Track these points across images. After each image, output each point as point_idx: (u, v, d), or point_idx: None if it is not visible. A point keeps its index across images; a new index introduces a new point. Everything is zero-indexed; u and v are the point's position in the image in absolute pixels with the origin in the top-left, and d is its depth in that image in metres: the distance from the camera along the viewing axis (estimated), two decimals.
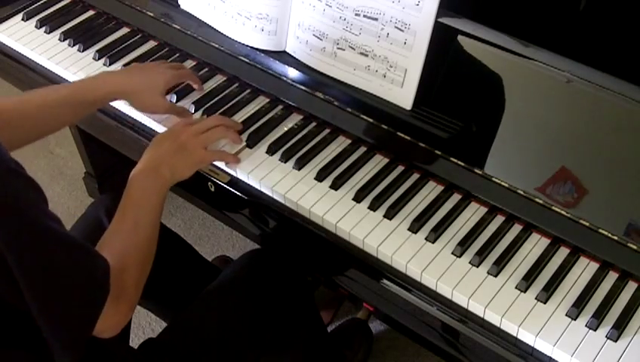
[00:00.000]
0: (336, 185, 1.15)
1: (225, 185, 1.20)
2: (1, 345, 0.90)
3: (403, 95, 1.19)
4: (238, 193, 1.19)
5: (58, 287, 0.85)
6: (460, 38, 1.14)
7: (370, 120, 1.21)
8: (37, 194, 0.85)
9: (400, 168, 1.18)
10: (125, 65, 1.39)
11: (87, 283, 0.88)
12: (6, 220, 0.79)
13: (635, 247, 1.00)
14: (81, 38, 1.46)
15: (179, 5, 1.43)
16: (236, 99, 1.32)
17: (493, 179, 1.11)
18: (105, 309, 0.90)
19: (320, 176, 1.17)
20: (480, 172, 1.12)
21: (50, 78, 1.41)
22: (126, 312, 0.98)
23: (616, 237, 1.02)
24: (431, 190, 1.15)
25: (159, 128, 1.28)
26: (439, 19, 1.13)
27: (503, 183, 1.10)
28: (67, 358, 0.89)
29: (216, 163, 1.21)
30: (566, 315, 0.98)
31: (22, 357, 0.93)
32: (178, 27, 1.42)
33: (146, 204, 1.05)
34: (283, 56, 1.31)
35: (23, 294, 0.82)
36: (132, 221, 1.02)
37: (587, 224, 1.04)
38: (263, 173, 1.18)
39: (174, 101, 1.32)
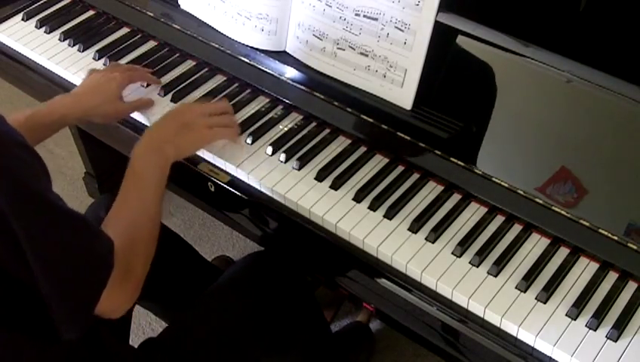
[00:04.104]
0: (336, 185, 1.15)
1: (225, 185, 1.20)
2: (3, 327, 0.90)
3: (403, 95, 1.19)
4: (238, 193, 1.19)
5: (62, 261, 0.85)
6: (459, 38, 1.14)
7: (370, 120, 1.21)
8: (42, 169, 0.86)
9: (400, 168, 1.18)
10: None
11: (91, 259, 0.88)
12: (15, 191, 0.79)
13: (635, 247, 1.00)
14: (81, 38, 1.46)
15: (179, 5, 1.43)
16: (236, 99, 1.32)
17: (493, 179, 1.10)
18: (111, 288, 0.89)
19: (320, 176, 1.17)
20: (480, 172, 1.12)
21: (50, 78, 1.41)
22: (132, 292, 0.98)
23: (616, 237, 1.02)
24: (431, 190, 1.15)
25: None
26: (439, 20, 1.13)
27: (503, 183, 1.10)
28: (71, 334, 0.89)
29: (216, 163, 1.22)
30: (566, 315, 0.98)
31: (24, 341, 0.93)
32: (178, 27, 1.42)
33: (150, 181, 1.05)
34: (283, 56, 1.31)
35: (31, 267, 0.82)
36: (136, 198, 1.02)
37: (587, 224, 1.04)
38: (262, 173, 1.18)
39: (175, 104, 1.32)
